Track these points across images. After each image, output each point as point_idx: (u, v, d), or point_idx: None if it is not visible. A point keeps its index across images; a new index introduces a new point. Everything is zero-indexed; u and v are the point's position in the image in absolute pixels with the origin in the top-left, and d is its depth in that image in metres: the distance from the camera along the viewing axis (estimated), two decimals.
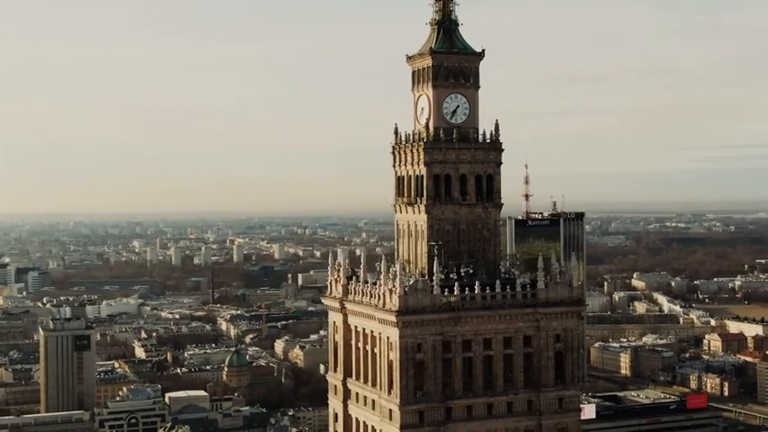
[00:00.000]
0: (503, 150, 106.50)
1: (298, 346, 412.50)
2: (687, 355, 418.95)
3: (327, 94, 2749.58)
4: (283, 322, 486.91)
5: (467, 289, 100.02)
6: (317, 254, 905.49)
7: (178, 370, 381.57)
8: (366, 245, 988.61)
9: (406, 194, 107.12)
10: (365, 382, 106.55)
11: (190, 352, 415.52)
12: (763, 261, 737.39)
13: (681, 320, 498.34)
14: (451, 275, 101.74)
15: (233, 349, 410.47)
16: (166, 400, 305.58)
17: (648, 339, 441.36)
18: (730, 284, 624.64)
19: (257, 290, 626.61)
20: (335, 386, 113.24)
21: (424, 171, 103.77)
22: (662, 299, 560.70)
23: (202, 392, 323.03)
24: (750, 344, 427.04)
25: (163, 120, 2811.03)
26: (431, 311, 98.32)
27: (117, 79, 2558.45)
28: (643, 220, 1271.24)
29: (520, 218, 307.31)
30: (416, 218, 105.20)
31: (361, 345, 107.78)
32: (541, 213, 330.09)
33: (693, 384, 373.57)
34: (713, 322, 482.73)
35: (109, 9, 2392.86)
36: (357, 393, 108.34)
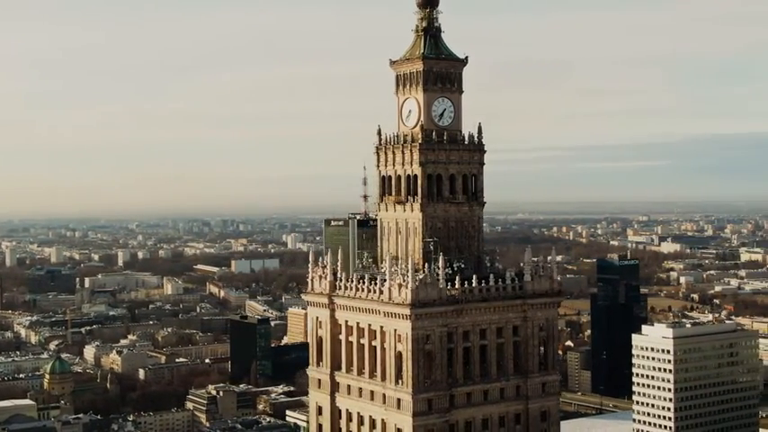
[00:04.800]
0: (485, 152, 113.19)
1: (114, 351, 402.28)
2: None
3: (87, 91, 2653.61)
4: (87, 328, 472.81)
5: (465, 282, 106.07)
6: (95, 257, 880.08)
7: None
8: (146, 247, 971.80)
9: (394, 193, 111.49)
10: (360, 374, 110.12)
11: None
12: (536, 259, 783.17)
13: None
14: (446, 270, 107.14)
15: (43, 356, 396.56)
16: None
17: None
18: None
19: (47, 295, 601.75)
20: (320, 380, 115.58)
21: (418, 171, 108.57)
22: None
23: (28, 401, 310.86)
24: None
25: None
26: (439, 304, 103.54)
27: None
28: None
29: (359, 218, 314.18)
30: (408, 216, 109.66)
31: (353, 338, 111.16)
32: (364, 213, 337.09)
33: None
34: None
35: None
36: (349, 386, 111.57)
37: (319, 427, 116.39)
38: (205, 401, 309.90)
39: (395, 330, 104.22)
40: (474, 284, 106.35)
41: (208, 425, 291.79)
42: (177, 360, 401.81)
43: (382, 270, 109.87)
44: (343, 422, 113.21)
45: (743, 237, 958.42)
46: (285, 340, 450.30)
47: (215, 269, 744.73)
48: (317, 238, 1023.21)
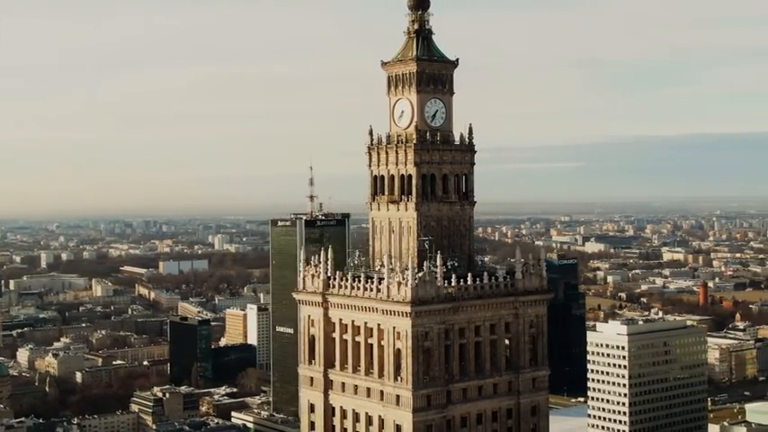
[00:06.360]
0: (476, 152, 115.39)
1: (50, 354, 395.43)
2: None
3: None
4: (18, 330, 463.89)
5: (461, 280, 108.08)
6: (17, 258, 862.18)
7: None
8: (68, 248, 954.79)
9: (387, 193, 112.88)
10: (355, 371, 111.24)
11: None
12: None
13: None
14: (441, 268, 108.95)
15: None
16: None
17: None
18: None
19: None
20: (312, 378, 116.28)
21: (413, 171, 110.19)
22: None
23: None
24: None
25: None
26: (437, 302, 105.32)
27: None
28: None
29: (306, 218, 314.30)
30: (401, 215, 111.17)
31: (348, 336, 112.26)
32: (311, 213, 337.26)
33: None
34: None
35: None
36: (343, 383, 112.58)
37: (311, 424, 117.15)
38: (151, 403, 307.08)
39: (393, 328, 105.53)
40: (469, 282, 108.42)
41: (154, 427, 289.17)
42: (114, 362, 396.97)
43: (377, 269, 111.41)
44: (336, 419, 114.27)
45: (663, 236, 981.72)
46: (223, 342, 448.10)
47: (142, 270, 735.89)
48: (244, 239, 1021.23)
